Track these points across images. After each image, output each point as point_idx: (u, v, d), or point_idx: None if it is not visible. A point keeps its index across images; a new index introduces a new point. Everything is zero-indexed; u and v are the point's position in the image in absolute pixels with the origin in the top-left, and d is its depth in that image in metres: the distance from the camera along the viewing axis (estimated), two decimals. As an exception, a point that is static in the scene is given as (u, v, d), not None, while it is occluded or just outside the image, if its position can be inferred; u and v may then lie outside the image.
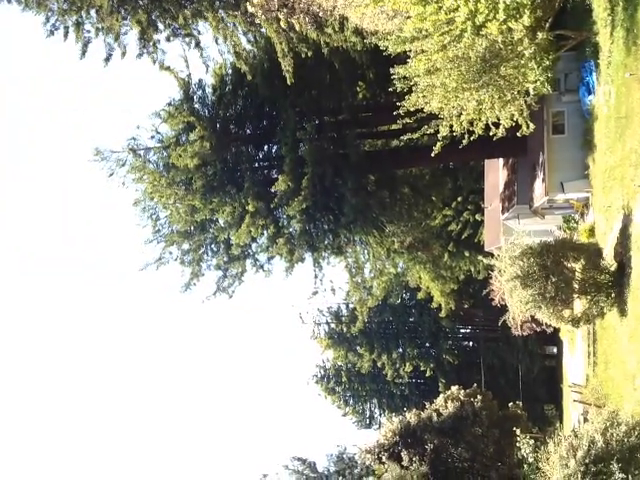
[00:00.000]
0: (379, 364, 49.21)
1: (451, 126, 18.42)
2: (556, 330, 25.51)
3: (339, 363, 51.87)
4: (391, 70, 17.94)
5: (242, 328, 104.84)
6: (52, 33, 25.94)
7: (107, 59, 26.64)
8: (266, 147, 31.97)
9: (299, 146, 29.11)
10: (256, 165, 31.66)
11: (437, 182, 36.47)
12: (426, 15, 14.63)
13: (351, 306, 48.62)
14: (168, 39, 26.91)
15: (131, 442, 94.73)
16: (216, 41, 27.40)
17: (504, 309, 19.41)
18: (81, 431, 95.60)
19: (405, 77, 17.72)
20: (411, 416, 30.95)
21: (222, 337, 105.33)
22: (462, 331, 53.51)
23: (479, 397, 31.79)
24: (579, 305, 20.17)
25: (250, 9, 23.39)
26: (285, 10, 22.62)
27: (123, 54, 26.77)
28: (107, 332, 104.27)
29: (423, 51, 16.68)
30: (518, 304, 18.34)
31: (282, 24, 23.50)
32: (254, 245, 32.13)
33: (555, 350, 47.73)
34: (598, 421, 15.38)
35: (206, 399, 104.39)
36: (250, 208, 28.81)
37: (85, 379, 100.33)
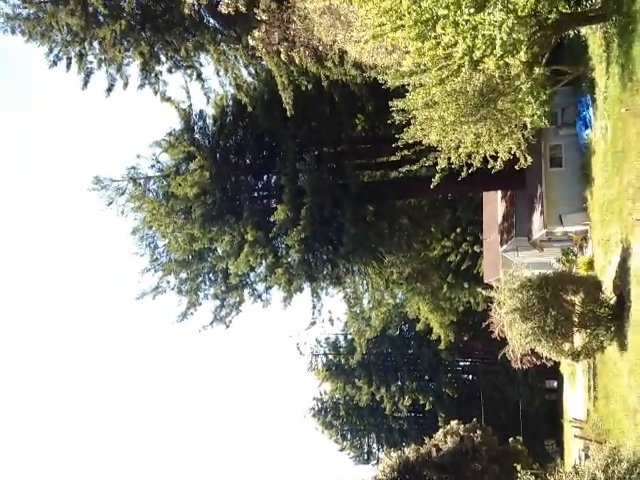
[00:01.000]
0: (377, 397, 48.57)
1: (449, 158, 18.54)
2: (556, 364, 25.26)
3: (337, 396, 51.18)
4: (390, 103, 18.14)
5: (238, 358, 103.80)
6: (55, 64, 26.27)
7: (109, 89, 26.94)
8: (265, 177, 32.14)
9: (298, 176, 29.26)
10: (255, 195, 31.77)
11: (436, 213, 36.59)
12: (424, 50, 14.80)
13: (349, 337, 48.23)
14: (170, 71, 27.26)
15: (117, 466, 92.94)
16: (217, 73, 27.77)
17: (504, 342, 19.24)
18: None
19: (404, 110, 17.91)
20: (410, 451, 30.42)
21: (217, 368, 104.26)
22: (461, 364, 52.97)
23: (479, 432, 31.32)
24: (579, 339, 20.00)
25: (251, 43, 23.78)
26: (286, 44, 22.99)
27: (125, 85, 27.08)
28: (102, 358, 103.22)
29: (421, 85, 16.88)
30: (518, 337, 18.19)
31: (283, 57, 23.84)
32: (252, 274, 32.03)
33: (555, 384, 47.19)
34: (599, 458, 15.10)
35: (200, 431, 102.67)
36: (249, 237, 28.80)
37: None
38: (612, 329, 18.58)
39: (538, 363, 19.88)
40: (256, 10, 22.26)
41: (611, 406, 20.12)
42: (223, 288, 31.76)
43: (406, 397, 47.55)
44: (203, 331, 31.90)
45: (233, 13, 22.01)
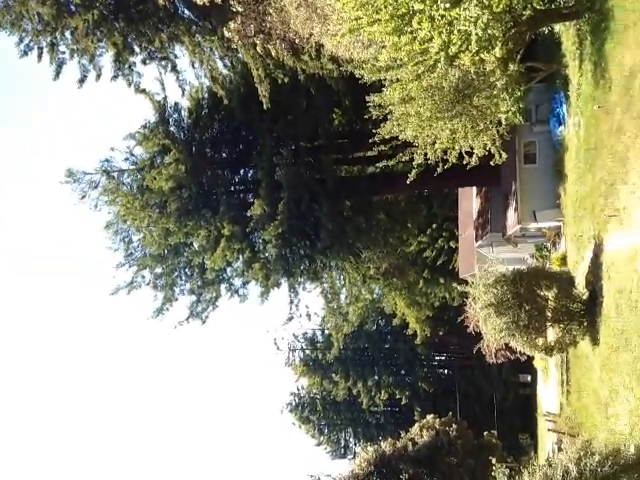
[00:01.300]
0: (354, 392, 48.74)
1: (425, 154, 18.55)
2: (530, 358, 25.52)
3: (314, 391, 51.22)
4: (367, 98, 18.08)
5: (215, 354, 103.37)
6: (26, 53, 25.67)
7: (82, 80, 26.41)
8: (242, 171, 31.89)
9: (275, 171, 29.08)
10: (232, 189, 31.51)
11: (412, 209, 36.74)
12: (401, 45, 14.77)
13: (327, 332, 48.25)
14: (144, 62, 26.82)
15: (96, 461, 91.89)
16: (193, 65, 27.41)
17: (479, 337, 19.35)
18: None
19: (380, 105, 17.85)
20: (386, 445, 30.55)
21: (194, 364, 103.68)
22: (437, 358, 53.41)
23: (454, 426, 31.58)
24: (552, 333, 20.21)
25: (227, 34, 23.50)
26: (262, 36, 22.77)
27: (98, 76, 26.58)
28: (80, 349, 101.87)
29: (398, 80, 16.84)
30: (492, 332, 18.30)
31: (259, 50, 23.62)
32: (229, 270, 31.82)
33: (529, 378, 47.87)
34: (572, 451, 15.26)
35: (178, 427, 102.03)
36: (226, 232, 28.56)
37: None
38: (584, 324, 18.81)
39: (512, 358, 20.06)
40: (232, 1, 22.00)
41: (583, 400, 20.40)
42: (199, 283, 31.48)
43: (382, 391, 47.79)
44: (179, 327, 31.66)
45: (208, 4, 21.72)
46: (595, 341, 18.22)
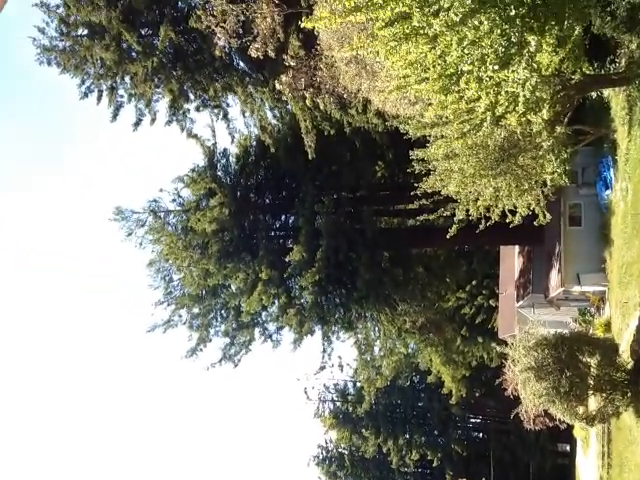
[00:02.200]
0: (384, 449, 47.27)
1: (467, 210, 18.50)
2: (570, 427, 24.45)
3: (342, 445, 49.93)
4: (410, 152, 18.30)
5: (244, 399, 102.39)
6: (86, 95, 27.05)
7: (137, 124, 27.61)
8: (283, 217, 32.40)
9: (316, 219, 29.44)
10: (272, 234, 31.97)
11: (452, 264, 36.37)
12: (447, 103, 14.97)
13: (358, 385, 47.34)
14: (197, 109, 27.93)
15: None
16: (243, 114, 28.40)
17: (517, 401, 18.75)
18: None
19: (423, 159, 18.02)
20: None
21: (222, 407, 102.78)
22: (472, 421, 51.55)
23: (486, 493, 30.19)
24: (594, 402, 19.40)
25: (278, 87, 24.36)
26: (311, 90, 23.49)
27: (153, 120, 27.75)
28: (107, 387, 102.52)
29: (443, 136, 17.01)
30: (531, 397, 17.72)
31: (308, 102, 24.34)
32: (264, 314, 31.91)
33: (568, 448, 45.60)
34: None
35: (203, 469, 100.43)
36: (263, 276, 28.82)
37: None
38: (628, 394, 18.03)
39: (551, 425, 19.33)
40: (285, 56, 22.89)
41: (625, 475, 19.35)
42: (234, 325, 31.64)
43: (414, 451, 46.22)
44: (211, 369, 31.67)
45: (262, 57, 22.64)
46: (639, 413, 17.40)
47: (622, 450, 19.92)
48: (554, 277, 26.40)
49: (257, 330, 32.00)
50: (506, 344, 20.22)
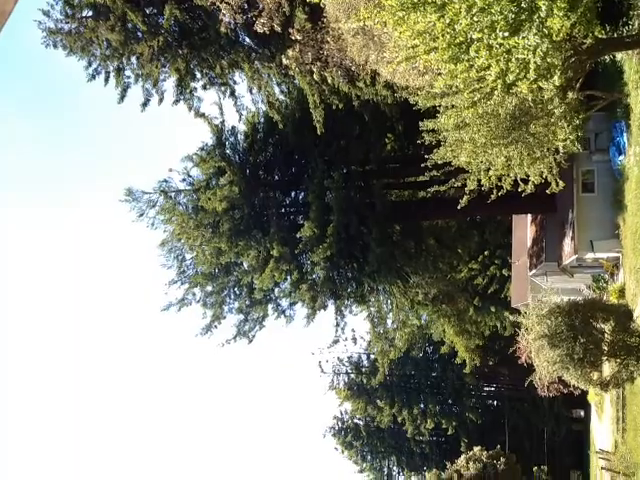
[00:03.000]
0: (399, 419, 47.95)
1: (479, 180, 18.39)
2: (584, 393, 24.65)
3: (358, 416, 50.67)
4: (420, 123, 18.16)
5: (259, 374, 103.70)
6: (93, 77, 26.95)
7: (145, 104, 27.52)
8: (293, 193, 32.37)
9: (326, 194, 29.39)
10: (283, 211, 31.99)
11: (463, 235, 36.29)
12: (457, 73, 14.79)
13: (372, 357, 47.82)
14: (204, 87, 27.74)
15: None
16: (250, 91, 28.19)
17: (530, 368, 18.87)
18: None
19: (434, 130, 17.87)
20: (431, 476, 29.97)
21: (237, 383, 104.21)
22: (486, 389, 52.03)
23: (502, 459, 30.72)
24: (608, 368, 19.50)
25: (285, 62, 24.13)
26: (319, 64, 23.25)
27: (160, 100, 27.63)
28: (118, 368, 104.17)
29: (453, 106, 16.85)
30: (545, 364, 17.81)
31: (315, 77, 24.12)
32: (277, 290, 32.15)
33: (582, 414, 45.97)
34: (628, 493, 14.62)
35: (218, 444, 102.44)
36: (275, 253, 28.95)
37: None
38: (643, 359, 18.09)
39: (565, 391, 19.45)
40: (291, 30, 22.61)
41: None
42: (247, 302, 31.92)
43: (428, 420, 46.83)
44: (226, 345, 32.09)
45: (268, 32, 22.39)
46: (655, 378, 17.49)
47: (637, 414, 20.08)
48: (567, 245, 26.32)
49: (270, 306, 32.29)
50: (519, 313, 20.29)
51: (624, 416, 21.97)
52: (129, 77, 27.28)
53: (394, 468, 51.40)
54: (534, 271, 30.97)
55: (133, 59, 26.80)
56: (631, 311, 19.69)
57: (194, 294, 32.10)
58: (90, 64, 26.92)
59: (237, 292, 32.47)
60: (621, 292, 23.29)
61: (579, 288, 30.01)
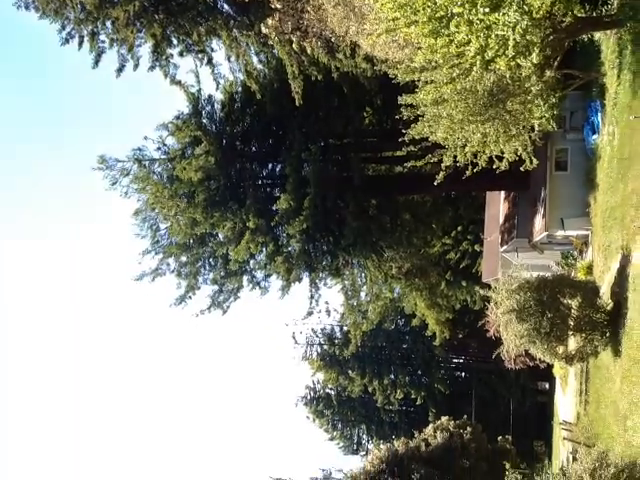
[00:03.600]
0: (370, 389, 48.88)
1: (455, 156, 18.56)
2: (549, 366, 25.42)
3: (329, 386, 51.51)
4: (399, 98, 18.15)
5: (233, 345, 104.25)
6: (67, 41, 26.13)
7: (119, 70, 26.83)
8: (270, 165, 32.17)
9: (303, 166, 29.29)
10: (259, 182, 31.81)
11: (438, 210, 36.65)
12: (437, 47, 14.82)
13: (345, 329, 48.44)
14: (181, 54, 27.14)
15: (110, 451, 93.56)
16: (228, 59, 27.68)
17: (498, 341, 19.37)
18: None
19: (412, 105, 17.91)
20: (399, 444, 30.72)
21: (211, 354, 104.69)
22: (455, 361, 53.27)
23: (469, 429, 31.62)
24: (573, 342, 20.14)
25: (264, 30, 23.76)
26: (298, 33, 22.96)
27: (136, 66, 26.96)
28: (97, 337, 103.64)
29: (432, 82, 16.88)
30: (512, 338, 18.32)
31: (294, 47, 23.83)
32: (252, 262, 32.13)
33: (547, 386, 47.49)
34: (587, 461, 15.29)
35: (191, 412, 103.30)
36: (250, 225, 28.87)
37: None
38: (607, 335, 18.73)
39: (531, 364, 20.04)
40: (271, -2, 22.23)
41: (601, 411, 20.30)
42: (222, 274, 31.87)
43: (398, 391, 47.86)
44: (200, 315, 32.10)
45: (247, 0, 21.96)
46: (617, 352, 18.13)
47: (599, 387, 20.83)
48: (538, 222, 26.82)
49: (245, 278, 32.30)
50: (489, 287, 20.74)
51: (587, 389, 22.75)
52: (104, 42, 26.50)
53: (364, 436, 52.56)
54: (505, 247, 31.54)
55: (108, 23, 26.02)
56: (598, 288, 20.28)
57: (168, 264, 31.92)
58: (64, 27, 26.07)
59: (212, 263, 32.36)
60: (589, 269, 23.91)
61: (549, 265, 30.70)
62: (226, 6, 25.67)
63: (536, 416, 46.52)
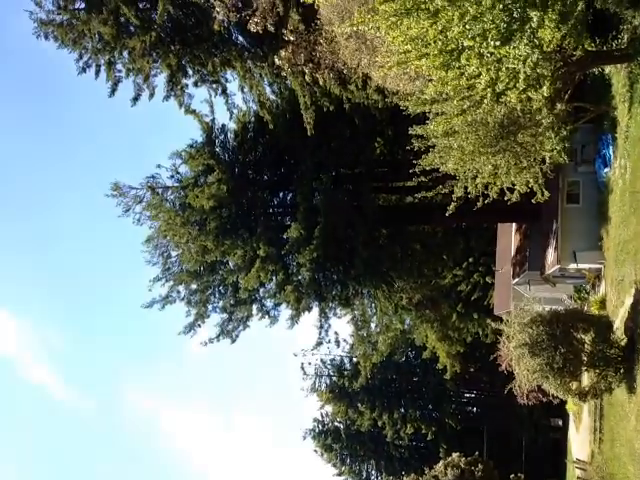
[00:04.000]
0: (379, 423, 48.00)
1: (466, 188, 18.55)
2: (562, 402, 24.87)
3: (338, 419, 50.67)
4: (410, 129, 18.26)
5: (240, 374, 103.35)
6: (84, 70, 26.78)
7: (135, 99, 27.38)
8: (282, 194, 32.38)
9: (314, 195, 29.44)
10: (270, 211, 31.99)
11: (449, 241, 36.51)
12: (448, 80, 14.93)
13: (355, 360, 47.89)
14: (196, 84, 27.69)
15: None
16: (242, 89, 28.16)
17: (510, 376, 19.03)
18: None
19: (423, 136, 18.00)
20: (408, 480, 29.99)
21: (219, 381, 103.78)
22: (466, 395, 52.31)
23: (480, 466, 30.88)
24: (587, 378, 19.72)
25: (277, 62, 24.15)
26: (311, 65, 23.30)
27: (151, 95, 27.52)
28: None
29: (442, 113, 16.98)
30: (525, 372, 17.99)
31: (307, 78, 24.17)
32: (262, 290, 32.07)
33: (561, 423, 46.37)
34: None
35: (197, 442, 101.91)
36: (261, 253, 28.92)
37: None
38: (621, 371, 18.31)
39: (544, 400, 19.64)
40: (284, 30, 22.65)
41: (616, 449, 19.74)
42: (232, 302, 31.81)
43: (408, 425, 46.96)
44: (209, 344, 31.94)
45: (261, 32, 22.41)
46: (632, 389, 17.70)
47: (614, 425, 20.29)
48: (550, 254, 26.56)
49: (255, 306, 32.21)
50: (501, 320, 20.45)
51: (601, 427, 22.18)
52: (120, 71, 27.17)
53: (373, 472, 51.40)
54: (517, 279, 31.22)
55: (125, 53, 26.67)
56: (611, 322, 19.92)
57: (179, 292, 31.94)
58: (81, 57, 26.74)
59: (222, 291, 32.34)
60: (602, 303, 23.55)
61: (561, 298, 30.29)
62: (240, 38, 26.22)
63: (549, 453, 45.34)
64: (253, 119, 30.93)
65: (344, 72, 22.84)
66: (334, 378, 50.23)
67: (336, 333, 45.47)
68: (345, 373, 49.81)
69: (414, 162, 18.64)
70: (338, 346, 45.79)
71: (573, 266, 25.63)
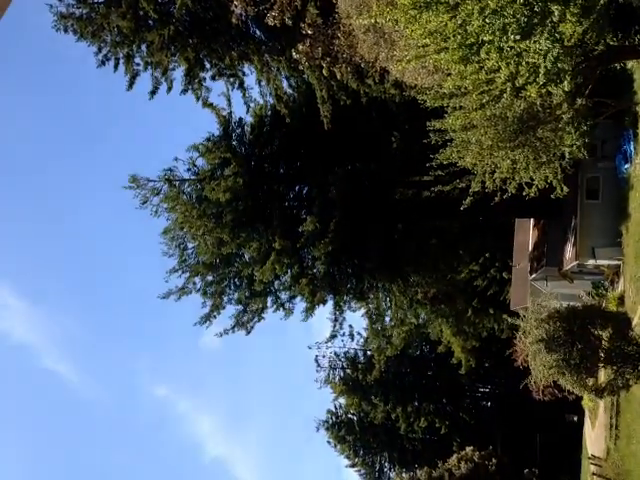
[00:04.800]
0: (393, 416, 48.07)
1: (483, 182, 18.46)
2: (578, 398, 24.73)
3: (352, 411, 50.84)
4: (427, 123, 18.19)
5: (255, 365, 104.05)
6: (103, 63, 27.00)
7: (153, 92, 27.56)
8: (297, 187, 32.47)
9: (330, 189, 29.46)
10: (286, 204, 32.10)
11: (465, 236, 36.28)
12: (467, 74, 14.84)
13: (369, 353, 47.97)
14: (213, 78, 27.80)
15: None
16: (259, 83, 28.24)
17: (526, 371, 18.97)
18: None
19: (440, 130, 17.93)
20: (422, 474, 30.15)
21: (232, 373, 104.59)
22: (481, 390, 52.16)
23: (494, 460, 30.86)
24: (604, 375, 19.60)
25: (295, 56, 24.15)
26: (328, 59, 23.27)
27: (169, 89, 27.69)
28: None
29: (461, 107, 16.89)
30: (541, 368, 17.92)
31: (324, 72, 24.15)
32: (277, 283, 32.28)
33: (576, 419, 46.07)
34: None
35: (207, 433, 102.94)
36: (276, 246, 29.07)
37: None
38: (639, 368, 18.17)
39: (560, 396, 19.55)
40: (302, 24, 22.64)
41: (633, 447, 19.63)
42: (247, 294, 32.07)
43: (422, 419, 46.97)
44: (224, 335, 32.24)
45: (279, 26, 22.41)
46: (650, 387, 17.57)
47: (630, 422, 20.16)
48: (569, 250, 26.36)
49: (270, 298, 32.44)
50: (518, 316, 20.37)
51: (617, 423, 22.05)
52: (138, 65, 27.32)
53: (386, 464, 51.57)
54: (534, 275, 31.02)
55: (143, 47, 26.84)
56: (630, 319, 19.77)
57: (194, 283, 32.24)
58: (100, 50, 26.96)
59: (237, 283, 32.61)
60: (620, 300, 23.35)
61: (579, 294, 30.03)
62: (258, 32, 26.26)
63: (564, 449, 45.11)
64: (270, 113, 31.00)
65: (361, 66, 22.79)
66: (348, 371, 50.38)
67: (350, 326, 45.62)
68: (359, 366, 49.92)
69: (431, 156, 18.57)
70: (352, 339, 45.97)
71: (592, 262, 25.42)
